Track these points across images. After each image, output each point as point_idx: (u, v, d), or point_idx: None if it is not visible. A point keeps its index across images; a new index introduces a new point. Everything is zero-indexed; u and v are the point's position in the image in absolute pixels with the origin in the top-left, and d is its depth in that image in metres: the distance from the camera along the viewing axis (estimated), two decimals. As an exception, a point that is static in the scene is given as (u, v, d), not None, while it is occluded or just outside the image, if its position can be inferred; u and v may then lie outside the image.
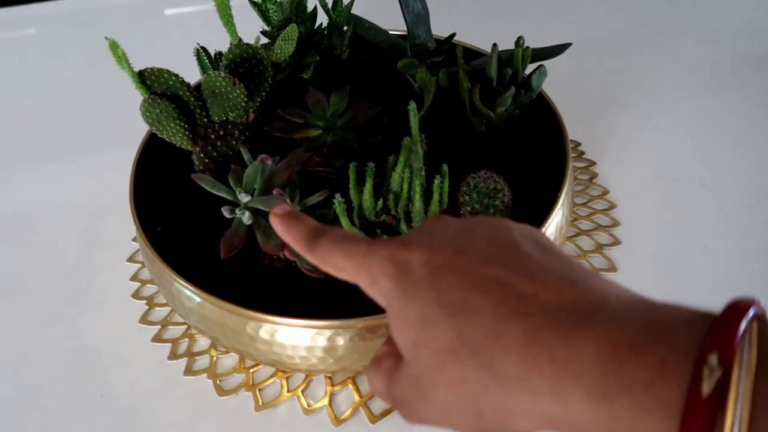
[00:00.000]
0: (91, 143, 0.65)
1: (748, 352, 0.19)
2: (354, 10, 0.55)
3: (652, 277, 0.50)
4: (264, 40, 0.53)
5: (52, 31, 0.80)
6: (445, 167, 0.41)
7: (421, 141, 0.41)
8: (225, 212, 0.39)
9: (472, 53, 0.56)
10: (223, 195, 0.39)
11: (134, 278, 0.52)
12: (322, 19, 0.55)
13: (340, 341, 0.39)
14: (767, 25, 0.75)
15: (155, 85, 0.43)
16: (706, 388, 0.18)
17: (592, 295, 0.22)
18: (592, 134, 0.61)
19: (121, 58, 0.40)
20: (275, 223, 0.29)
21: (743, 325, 0.19)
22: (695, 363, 0.19)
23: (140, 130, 0.50)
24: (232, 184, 0.40)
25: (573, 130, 0.53)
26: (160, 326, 0.48)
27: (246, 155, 0.41)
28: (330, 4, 0.54)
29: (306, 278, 0.41)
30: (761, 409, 0.18)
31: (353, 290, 0.42)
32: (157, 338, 0.48)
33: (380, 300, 0.26)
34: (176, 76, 0.43)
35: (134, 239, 0.54)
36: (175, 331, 0.48)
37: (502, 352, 0.22)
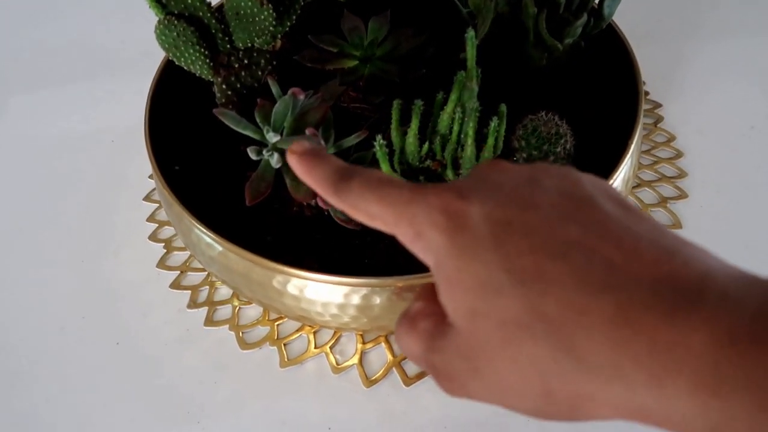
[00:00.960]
0: (105, 67, 0.60)
1: None
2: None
3: (723, 237, 0.44)
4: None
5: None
6: (503, 107, 0.35)
7: (476, 76, 0.35)
8: (251, 153, 0.34)
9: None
10: (249, 134, 0.34)
11: (151, 219, 0.48)
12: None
13: (377, 300, 0.35)
14: None
15: (171, 3, 0.37)
16: None
17: (695, 269, 0.19)
18: (659, 71, 0.54)
19: (131, -32, 0.35)
20: (293, 162, 0.25)
21: None
22: None
23: (158, 54, 0.45)
24: (259, 121, 0.35)
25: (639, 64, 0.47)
26: (179, 272, 0.45)
27: (275, 88, 0.36)
28: None
29: (339, 229, 0.37)
30: None
31: (392, 243, 0.38)
32: (175, 284, 0.44)
33: (426, 257, 0.22)
34: (196, -7, 0.37)
35: (151, 176, 0.50)
36: (194, 278, 0.45)
37: (587, 332, 0.19)
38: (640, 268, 0.19)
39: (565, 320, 0.19)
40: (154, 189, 0.49)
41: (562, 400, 0.20)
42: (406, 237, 0.23)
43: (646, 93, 0.53)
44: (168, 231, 0.47)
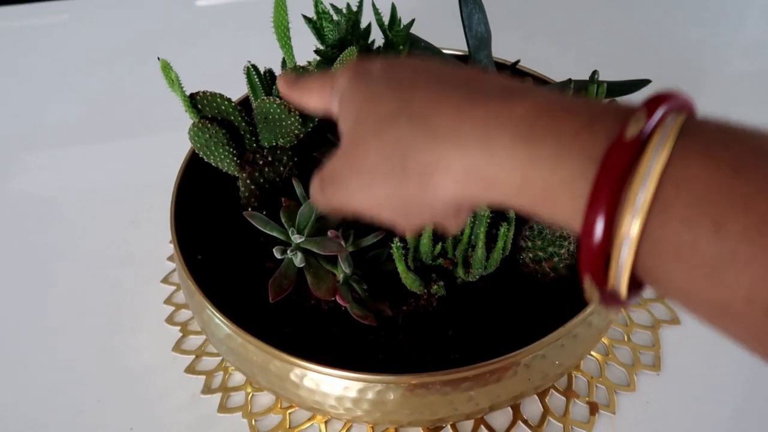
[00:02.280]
0: (134, 135, 0.63)
1: (674, 118, 0.19)
2: (412, 29, 0.52)
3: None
4: (316, 58, 0.51)
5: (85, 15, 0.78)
6: (512, 213, 0.38)
7: (487, 184, 0.38)
8: (276, 253, 0.36)
9: (535, 80, 0.53)
10: (276, 234, 0.37)
11: (168, 301, 0.50)
12: (375, 35, 0.52)
13: (391, 396, 0.36)
14: None
15: (207, 109, 0.41)
16: (631, 131, 0.19)
17: (533, 86, 0.24)
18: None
19: (174, 82, 0.38)
20: (281, 84, 0.33)
21: (671, 100, 0.20)
22: (623, 120, 0.19)
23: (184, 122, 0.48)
24: (284, 221, 0.37)
25: None
26: (194, 356, 0.46)
27: (299, 189, 0.39)
28: (387, 23, 0.52)
29: (353, 323, 0.39)
30: (681, 154, 0.18)
31: (404, 340, 0.39)
32: (190, 369, 0.45)
33: (335, 101, 0.28)
34: (228, 100, 0.41)
35: (170, 258, 0.52)
36: (209, 363, 0.46)
37: (439, 111, 0.23)
38: (489, 83, 0.24)
39: (425, 107, 0.24)
40: (172, 271, 0.51)
41: (414, 173, 0.24)
42: (328, 96, 0.29)
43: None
44: (184, 314, 0.49)
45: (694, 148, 0.18)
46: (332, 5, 0.50)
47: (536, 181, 0.21)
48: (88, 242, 0.54)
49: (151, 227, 0.55)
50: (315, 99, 0.30)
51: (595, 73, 0.43)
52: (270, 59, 0.47)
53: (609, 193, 0.18)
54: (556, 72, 0.54)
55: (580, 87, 0.43)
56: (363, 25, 0.51)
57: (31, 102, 0.69)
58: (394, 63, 0.27)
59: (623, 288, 0.19)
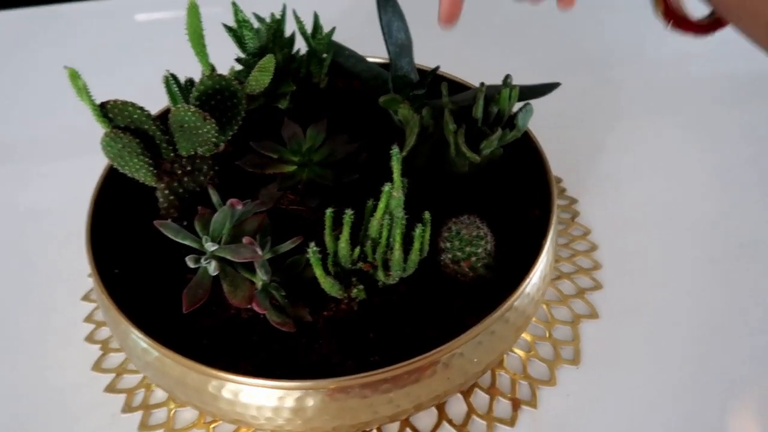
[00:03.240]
0: (53, 156, 0.61)
1: None
2: (335, 37, 0.53)
3: (636, 326, 0.48)
4: (238, 67, 0.50)
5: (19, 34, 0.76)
6: (427, 215, 0.39)
7: (403, 187, 0.38)
8: (189, 262, 0.36)
9: (455, 85, 0.54)
10: (188, 243, 0.36)
11: (89, 319, 0.48)
12: (299, 44, 0.53)
13: (310, 402, 0.36)
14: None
15: (118, 118, 0.40)
16: None
17: None
18: (575, 169, 0.60)
19: (82, 90, 0.37)
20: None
21: None
22: None
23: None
24: (198, 230, 0.37)
25: (554, 164, 0.51)
26: (114, 374, 0.45)
27: (214, 197, 0.39)
28: (309, 31, 0.52)
29: (273, 330, 0.38)
30: None
31: (324, 346, 0.39)
32: (110, 388, 0.44)
33: None
34: (141, 109, 0.40)
35: (90, 275, 0.50)
36: (130, 380, 0.45)
37: None
38: None
39: None
40: (92, 288, 0.50)
41: None
42: None
43: (563, 190, 0.58)
44: (105, 332, 0.47)
45: None
46: (255, 14, 0.51)
47: None
48: (13, 262, 0.52)
49: (76, 245, 0.53)
50: None
51: (507, 77, 0.45)
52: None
53: None
54: (477, 77, 0.55)
55: (493, 92, 0.45)
56: (287, 34, 0.52)
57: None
58: None
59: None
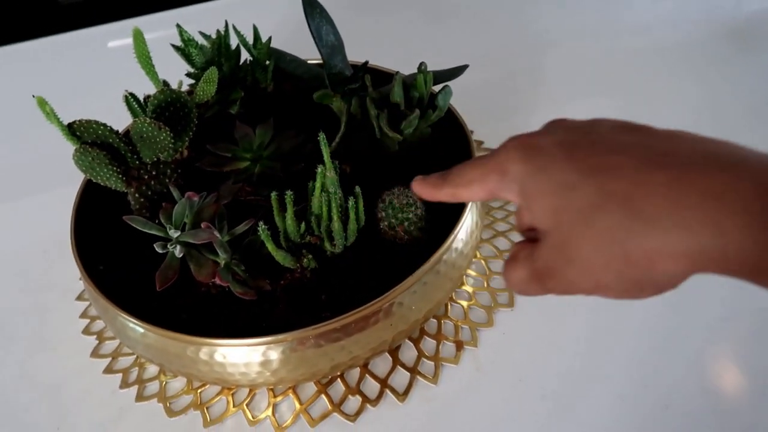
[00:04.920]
0: (37, 183, 0.67)
1: None
2: (274, 44, 0.59)
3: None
4: (190, 80, 0.57)
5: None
6: (357, 189, 0.45)
7: (334, 167, 0.45)
8: (158, 248, 0.42)
9: (386, 76, 0.61)
10: (155, 232, 0.43)
11: (84, 315, 0.55)
12: (246, 55, 0.59)
13: (273, 355, 0.43)
14: (682, 15, 0.82)
15: (85, 135, 0.46)
16: None
17: (733, 148, 0.23)
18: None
19: (50, 114, 0.44)
20: (418, 190, 0.34)
21: None
22: None
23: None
24: (163, 221, 0.43)
25: (489, 137, 0.58)
26: (110, 358, 0.51)
27: (175, 193, 0.45)
28: (251, 42, 0.58)
29: (240, 301, 0.45)
30: None
31: (283, 310, 0.46)
32: (108, 370, 0.51)
33: (512, 189, 0.27)
34: (104, 125, 0.46)
35: (80, 278, 0.57)
36: (125, 362, 0.51)
37: (648, 196, 0.23)
38: (688, 150, 0.23)
39: (630, 192, 0.23)
40: (84, 290, 0.56)
41: (638, 260, 0.23)
42: (495, 181, 0.28)
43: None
44: (99, 324, 0.54)
45: None
46: (201, 32, 0.57)
47: None
48: (9, 274, 0.58)
49: (65, 253, 0.59)
50: (477, 190, 0.29)
51: (422, 64, 0.51)
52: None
53: None
54: (410, 67, 0.62)
55: (412, 79, 0.51)
56: (232, 47, 0.58)
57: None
58: (566, 138, 0.26)
59: None
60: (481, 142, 0.66)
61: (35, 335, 0.54)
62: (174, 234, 0.42)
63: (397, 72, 0.50)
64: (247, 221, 0.45)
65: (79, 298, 0.56)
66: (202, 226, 0.42)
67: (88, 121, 0.45)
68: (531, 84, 0.74)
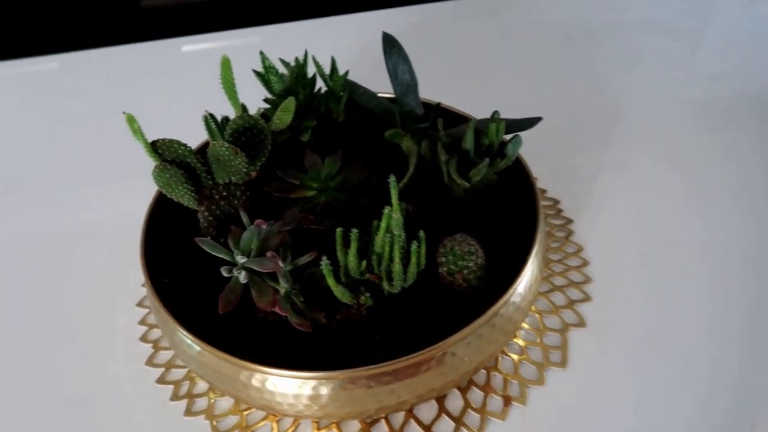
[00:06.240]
0: (111, 182, 0.70)
1: None
2: (351, 76, 0.61)
3: (619, 336, 0.53)
4: (265, 106, 0.58)
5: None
6: (422, 234, 0.45)
7: (401, 209, 0.45)
8: (223, 272, 0.43)
9: (457, 117, 0.61)
10: (223, 256, 0.44)
11: (142, 322, 0.56)
12: (320, 83, 0.61)
13: (324, 390, 0.43)
14: (755, 65, 0.80)
15: (166, 153, 0.48)
16: None
17: None
18: (572, 191, 0.65)
19: (137, 131, 0.46)
20: None
21: None
22: None
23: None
24: (231, 245, 0.45)
25: (553, 186, 0.57)
26: (164, 368, 0.53)
27: (245, 218, 0.46)
28: (328, 73, 0.60)
29: (296, 331, 0.46)
30: None
31: (337, 344, 0.46)
32: (161, 380, 0.52)
33: None
34: (185, 145, 0.48)
35: (144, 285, 0.59)
36: (177, 374, 0.52)
37: None
38: None
39: None
40: (145, 296, 0.58)
41: None
42: None
43: (560, 211, 0.64)
44: (156, 333, 0.55)
45: None
46: (281, 59, 0.59)
47: None
48: (75, 275, 0.61)
49: (129, 258, 0.62)
50: None
51: (495, 113, 0.51)
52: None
53: None
54: (480, 109, 0.62)
55: (483, 125, 0.51)
56: (309, 75, 0.60)
57: (21, 146, 0.77)
58: None
59: None
60: (544, 191, 0.65)
61: (95, 337, 0.56)
62: (240, 260, 0.43)
63: (471, 120, 0.50)
64: (310, 253, 0.46)
65: (140, 304, 0.58)
66: (268, 255, 0.43)
67: (170, 141, 0.47)
68: (596, 130, 0.73)
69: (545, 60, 0.85)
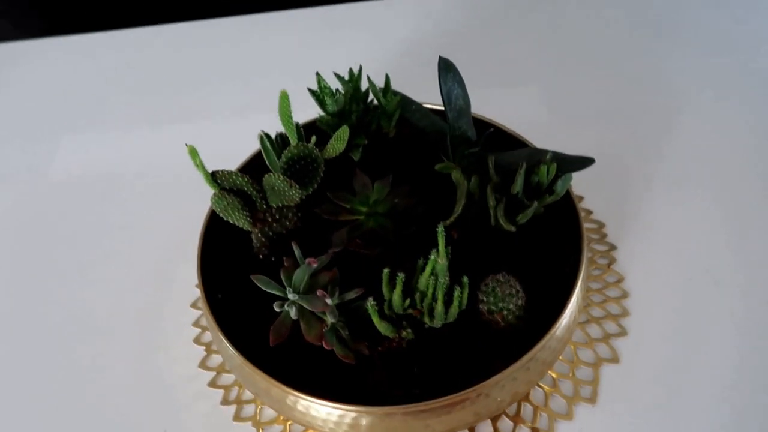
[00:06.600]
0: (172, 182, 0.73)
1: None
2: (396, 83, 0.60)
3: (653, 374, 0.54)
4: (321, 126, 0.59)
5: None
6: (465, 279, 0.47)
7: (447, 255, 0.46)
8: (276, 307, 0.46)
9: (510, 139, 0.61)
10: (275, 293, 0.46)
11: (196, 324, 0.60)
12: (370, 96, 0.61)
13: (363, 421, 0.46)
14: None
15: (224, 183, 0.50)
16: None
17: None
18: (619, 214, 0.65)
19: (199, 165, 0.48)
20: None
21: None
22: None
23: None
24: (283, 280, 0.47)
25: (600, 208, 0.57)
26: (215, 372, 0.57)
27: (297, 251, 0.48)
28: (381, 91, 0.60)
29: (340, 363, 0.48)
30: None
31: (378, 375, 0.49)
32: (212, 383, 0.56)
33: None
34: (242, 176, 0.50)
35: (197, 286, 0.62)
36: (228, 378, 0.56)
37: None
38: None
39: None
40: (199, 297, 0.62)
41: None
42: None
43: (605, 235, 0.64)
44: (209, 335, 0.59)
45: None
46: (336, 74, 0.59)
47: None
48: (131, 269, 0.65)
49: (185, 258, 0.65)
50: None
51: (547, 153, 0.51)
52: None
53: None
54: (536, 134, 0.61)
55: (535, 161, 0.51)
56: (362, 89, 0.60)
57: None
58: None
59: None
60: (590, 212, 0.65)
61: (150, 335, 0.60)
62: (292, 297, 0.46)
63: (522, 164, 0.50)
64: (357, 290, 0.48)
65: (194, 305, 0.62)
66: (318, 293, 0.45)
67: (229, 172, 0.49)
68: (651, 148, 0.71)
69: (606, 65, 0.82)
